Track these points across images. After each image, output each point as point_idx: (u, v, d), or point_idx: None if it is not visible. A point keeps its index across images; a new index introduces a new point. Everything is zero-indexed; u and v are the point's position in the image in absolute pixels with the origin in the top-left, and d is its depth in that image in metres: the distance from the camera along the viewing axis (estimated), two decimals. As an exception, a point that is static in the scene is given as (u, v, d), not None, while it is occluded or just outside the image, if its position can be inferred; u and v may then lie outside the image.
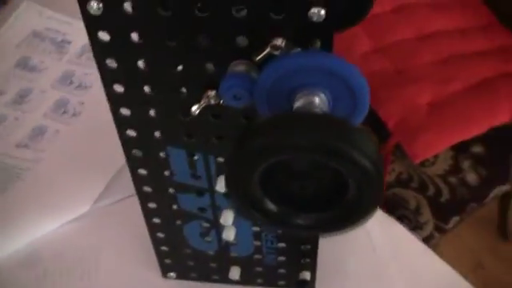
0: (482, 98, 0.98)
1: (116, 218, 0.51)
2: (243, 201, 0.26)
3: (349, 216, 0.25)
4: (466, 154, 0.96)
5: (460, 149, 0.96)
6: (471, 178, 0.94)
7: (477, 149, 0.97)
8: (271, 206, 0.26)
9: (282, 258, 0.43)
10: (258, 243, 0.42)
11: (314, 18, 0.27)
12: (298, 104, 0.28)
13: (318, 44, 0.29)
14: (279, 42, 0.28)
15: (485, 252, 1.27)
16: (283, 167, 0.25)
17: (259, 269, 0.45)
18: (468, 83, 1.01)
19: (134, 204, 0.52)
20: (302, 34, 0.28)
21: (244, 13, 0.28)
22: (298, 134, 0.23)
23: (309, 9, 0.27)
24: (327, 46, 0.28)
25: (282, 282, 0.46)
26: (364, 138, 0.24)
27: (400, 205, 0.90)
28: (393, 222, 0.52)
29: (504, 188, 0.97)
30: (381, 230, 0.50)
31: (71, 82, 0.64)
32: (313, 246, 0.42)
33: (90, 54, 0.72)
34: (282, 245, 0.42)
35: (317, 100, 0.28)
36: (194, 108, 0.32)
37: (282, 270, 0.45)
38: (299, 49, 0.28)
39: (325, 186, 0.26)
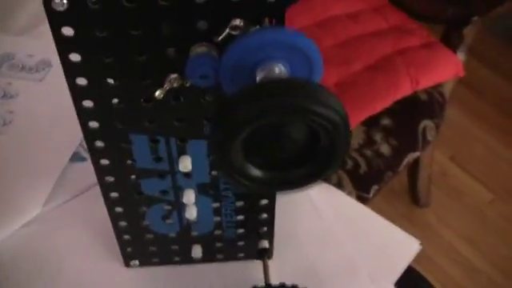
0: (383, 74, 1.06)
1: (69, 216, 0.52)
2: (229, 170, 0.29)
3: (325, 165, 0.29)
4: (377, 127, 1.03)
5: (370, 123, 1.02)
6: (384, 148, 1.01)
7: (385, 121, 1.04)
8: (255, 172, 0.29)
9: (241, 231, 0.46)
10: (218, 219, 0.45)
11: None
12: (260, 76, 0.31)
13: (267, 21, 0.32)
14: (237, 22, 0.31)
15: (400, 219, 1.36)
16: (261, 133, 0.28)
17: (219, 244, 0.47)
18: (368, 62, 1.09)
19: (85, 201, 0.53)
20: (258, 13, 0.31)
21: (203, -2, 0.30)
22: (274, 97, 0.26)
23: (264, -10, 0.30)
24: (281, 22, 0.32)
25: (241, 255, 0.49)
26: (329, 95, 0.27)
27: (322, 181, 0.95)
28: (331, 188, 0.56)
29: (414, 155, 1.05)
30: (322, 197, 0.54)
31: (-5, 93, 0.64)
32: (270, 214, 0.45)
33: (9, 63, 0.72)
34: (240, 217, 0.45)
35: (277, 71, 0.31)
36: (158, 93, 0.34)
37: (241, 243, 0.47)
38: (257, 27, 0.31)
39: (300, 143, 0.29)
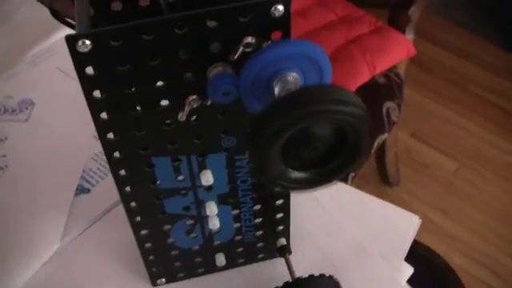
0: (342, 64, 1.10)
1: (88, 247, 0.53)
2: (272, 178, 0.32)
3: (355, 154, 0.32)
4: (344, 115, 1.07)
5: (338, 113, 1.06)
6: (355, 135, 1.04)
7: (351, 109, 1.08)
8: (296, 174, 0.32)
9: (259, 233, 0.48)
10: (237, 225, 0.47)
11: (276, 14, 0.33)
12: (278, 88, 0.33)
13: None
14: (249, 39, 0.34)
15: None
16: (295, 138, 0.31)
17: (240, 249, 0.49)
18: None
19: (100, 229, 0.54)
20: (266, 28, 0.34)
21: (215, 23, 0.33)
22: (306, 105, 0.29)
23: (270, 7, 0.33)
24: (287, 34, 0.34)
25: (261, 256, 0.51)
26: (351, 94, 0.30)
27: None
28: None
29: (383, 137, 1.09)
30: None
31: (-17, 139, 0.64)
32: (285, 212, 0.47)
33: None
34: (258, 220, 0.47)
35: (291, 79, 0.34)
36: (181, 115, 0.36)
37: (260, 244, 0.50)
38: (269, 42, 0.34)
39: (329, 140, 0.32)
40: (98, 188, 0.57)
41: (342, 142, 0.32)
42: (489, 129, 1.55)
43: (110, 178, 0.58)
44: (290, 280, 0.46)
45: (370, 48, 1.12)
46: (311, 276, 0.45)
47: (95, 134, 0.62)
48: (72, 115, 0.64)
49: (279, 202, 0.46)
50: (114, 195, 0.57)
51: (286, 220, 0.48)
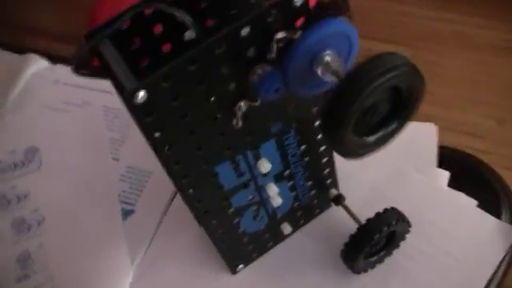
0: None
1: (159, 260, 0.55)
2: (351, 151, 0.35)
3: (412, 105, 0.36)
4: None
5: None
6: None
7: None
8: (369, 140, 0.35)
9: (313, 192, 0.52)
10: (294, 193, 0.50)
11: (298, 4, 0.35)
12: (320, 70, 0.36)
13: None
14: (280, 35, 0.35)
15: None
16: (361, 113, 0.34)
17: (299, 212, 0.53)
18: None
19: (161, 240, 0.56)
20: (292, 19, 0.35)
21: (248, 30, 0.34)
22: (374, 78, 0.32)
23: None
24: (310, 17, 0.36)
25: (317, 211, 0.54)
26: (399, 55, 0.33)
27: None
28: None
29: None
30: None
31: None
32: (331, 166, 0.50)
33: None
34: (310, 182, 0.50)
35: (329, 59, 0.36)
36: (235, 122, 0.38)
37: (315, 202, 0.53)
38: (299, 31, 0.35)
39: (389, 102, 0.35)
40: (140, 205, 0.59)
41: (397, 97, 0.35)
42: (428, 6, 1.59)
43: (146, 193, 0.60)
44: (356, 225, 0.50)
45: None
46: (377, 214, 0.48)
47: (113, 155, 0.64)
48: (80, 146, 0.65)
49: (325, 159, 0.49)
50: (159, 206, 0.59)
51: (333, 172, 0.51)
